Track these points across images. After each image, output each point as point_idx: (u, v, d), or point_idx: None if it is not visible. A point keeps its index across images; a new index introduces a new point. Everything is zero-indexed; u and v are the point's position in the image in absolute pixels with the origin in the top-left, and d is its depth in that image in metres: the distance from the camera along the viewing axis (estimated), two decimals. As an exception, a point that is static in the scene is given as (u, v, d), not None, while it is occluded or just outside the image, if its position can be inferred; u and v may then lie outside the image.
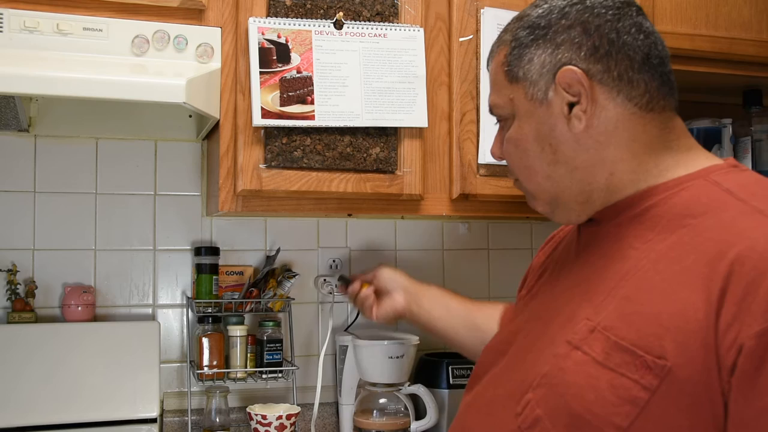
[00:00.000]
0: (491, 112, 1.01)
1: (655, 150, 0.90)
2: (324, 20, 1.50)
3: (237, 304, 1.80)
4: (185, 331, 1.85)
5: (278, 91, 1.45)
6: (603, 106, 0.89)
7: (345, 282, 1.54)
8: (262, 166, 1.46)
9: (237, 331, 1.79)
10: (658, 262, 0.81)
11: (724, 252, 0.75)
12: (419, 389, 1.73)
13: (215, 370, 1.76)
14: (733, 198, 0.82)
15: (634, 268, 0.83)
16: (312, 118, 1.46)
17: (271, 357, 1.80)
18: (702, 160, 0.91)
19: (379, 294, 1.47)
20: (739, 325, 0.71)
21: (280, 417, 1.63)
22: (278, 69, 1.46)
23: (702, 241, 0.78)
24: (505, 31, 0.98)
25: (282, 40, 1.47)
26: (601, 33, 0.89)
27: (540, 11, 0.93)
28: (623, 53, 0.89)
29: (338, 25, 1.50)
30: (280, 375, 1.80)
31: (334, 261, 1.97)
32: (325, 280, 1.94)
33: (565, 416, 0.80)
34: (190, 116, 1.81)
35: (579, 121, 0.89)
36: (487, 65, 1.02)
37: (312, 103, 1.47)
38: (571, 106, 0.90)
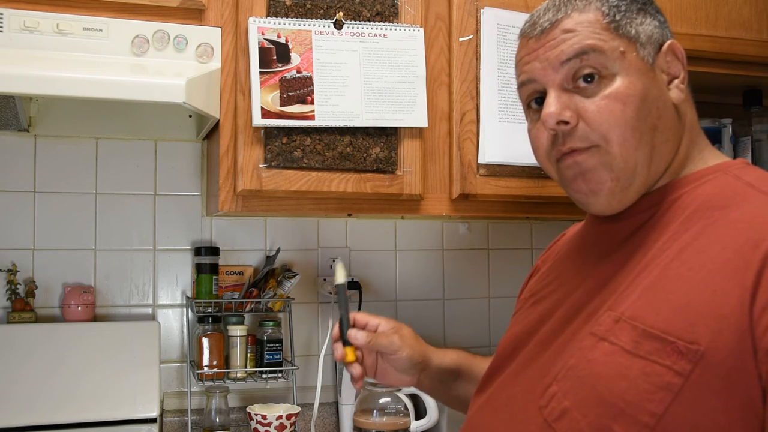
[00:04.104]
0: (573, 58, 0.89)
1: (697, 142, 0.95)
2: (324, 20, 1.50)
3: (237, 304, 1.80)
4: (185, 331, 1.85)
5: (278, 91, 1.45)
6: (685, 88, 0.94)
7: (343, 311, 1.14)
8: (262, 166, 1.46)
9: (237, 331, 1.79)
10: (682, 251, 0.82)
11: (756, 241, 0.76)
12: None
13: (215, 370, 1.76)
14: (756, 191, 0.84)
15: (657, 258, 0.84)
16: (312, 118, 1.46)
17: (271, 357, 1.80)
18: (716, 156, 0.95)
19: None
20: None
21: (280, 417, 1.63)
22: (278, 69, 1.46)
23: (728, 232, 0.80)
24: None
25: (282, 40, 1.47)
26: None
27: None
28: None
29: (338, 25, 1.50)
30: (280, 375, 1.80)
31: (334, 261, 1.97)
32: (325, 279, 1.94)
33: (596, 406, 0.80)
34: (190, 116, 1.81)
35: (680, 93, 0.92)
36: (552, 21, 0.92)
37: (312, 103, 1.47)
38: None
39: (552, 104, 0.90)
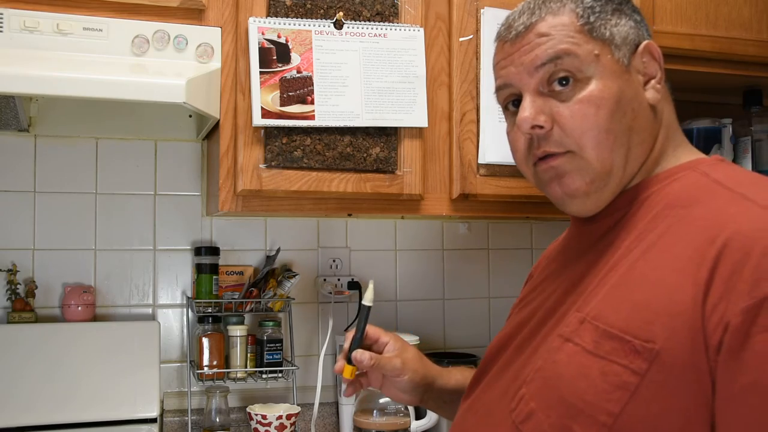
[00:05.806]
0: (548, 63, 0.89)
1: (673, 138, 0.95)
2: (324, 20, 1.50)
3: (237, 304, 1.80)
4: (185, 331, 1.85)
5: (278, 91, 1.45)
6: (662, 87, 0.93)
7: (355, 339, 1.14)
8: (262, 166, 1.46)
9: (237, 331, 1.79)
10: (647, 251, 0.82)
11: (714, 237, 0.76)
12: (419, 389, 1.73)
13: (215, 370, 1.76)
14: (721, 187, 0.83)
15: (624, 258, 0.84)
16: (312, 118, 1.46)
17: (271, 357, 1.80)
18: (690, 152, 0.95)
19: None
20: (726, 304, 0.71)
21: (280, 417, 1.63)
22: (278, 69, 1.46)
23: (692, 230, 0.80)
24: None
25: (282, 40, 1.47)
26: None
27: None
28: None
29: (338, 25, 1.50)
30: (280, 375, 1.80)
31: (334, 261, 1.97)
32: (325, 279, 1.94)
33: (558, 407, 0.80)
34: (190, 116, 1.81)
35: (656, 93, 0.92)
36: (527, 25, 0.92)
37: (312, 103, 1.47)
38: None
39: (527, 108, 0.90)
